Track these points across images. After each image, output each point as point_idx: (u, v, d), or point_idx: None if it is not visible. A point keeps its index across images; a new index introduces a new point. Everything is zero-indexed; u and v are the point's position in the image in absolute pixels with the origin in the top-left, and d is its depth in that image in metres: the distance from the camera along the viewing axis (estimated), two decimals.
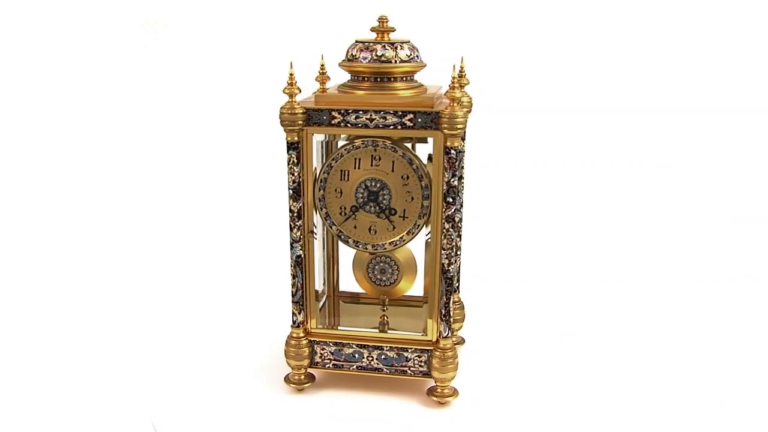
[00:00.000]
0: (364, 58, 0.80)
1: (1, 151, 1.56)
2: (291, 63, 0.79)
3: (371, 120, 0.79)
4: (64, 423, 0.82)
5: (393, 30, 0.83)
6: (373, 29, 0.82)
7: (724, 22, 1.55)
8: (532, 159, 1.56)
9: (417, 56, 0.84)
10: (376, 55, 0.80)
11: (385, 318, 0.94)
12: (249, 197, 1.47)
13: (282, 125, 0.79)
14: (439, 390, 0.85)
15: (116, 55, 1.59)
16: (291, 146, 0.80)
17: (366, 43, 0.81)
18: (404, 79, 0.83)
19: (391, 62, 0.81)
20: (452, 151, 0.77)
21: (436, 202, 0.80)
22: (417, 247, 0.95)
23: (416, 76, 0.86)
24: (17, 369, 0.94)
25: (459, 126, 0.77)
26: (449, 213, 0.79)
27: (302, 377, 0.88)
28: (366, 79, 0.82)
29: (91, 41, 1.58)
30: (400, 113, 0.78)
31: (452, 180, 0.78)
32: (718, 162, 1.56)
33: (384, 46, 0.80)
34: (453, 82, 0.76)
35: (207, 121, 1.60)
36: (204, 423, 0.82)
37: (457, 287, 0.98)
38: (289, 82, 0.79)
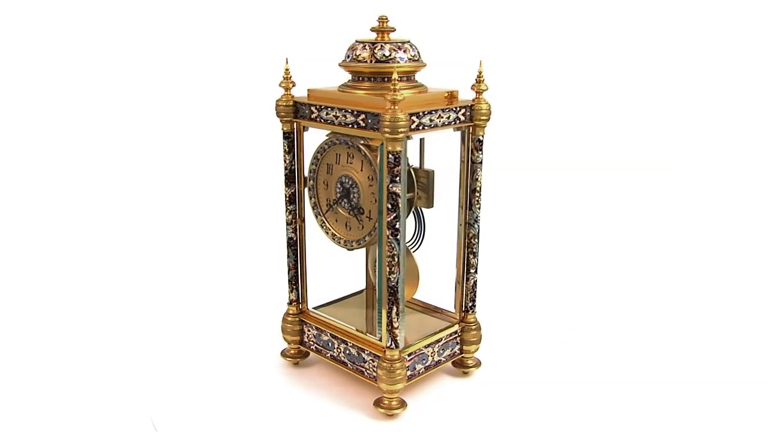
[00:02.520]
0: (364, 58, 0.81)
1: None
2: (287, 59, 0.85)
3: (336, 117, 0.80)
4: (64, 419, 0.83)
5: (393, 30, 0.82)
6: (373, 29, 0.82)
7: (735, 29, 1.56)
8: (530, 164, 1.58)
9: (417, 56, 0.82)
10: (376, 55, 0.80)
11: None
12: (249, 190, 1.51)
13: (277, 116, 0.86)
14: (386, 402, 0.83)
15: (112, 55, 1.59)
16: (284, 135, 0.86)
17: (366, 43, 0.81)
18: (404, 79, 0.81)
19: (390, 62, 0.80)
20: (390, 156, 0.74)
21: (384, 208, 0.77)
22: (424, 254, 0.92)
23: (417, 76, 0.84)
24: (18, 368, 0.94)
25: (401, 130, 0.73)
26: (389, 219, 0.76)
27: (295, 352, 0.94)
28: (366, 78, 0.82)
29: (88, 41, 1.57)
30: (355, 112, 0.78)
31: (391, 186, 0.75)
32: (717, 163, 1.59)
33: (383, 46, 0.80)
34: (393, 84, 0.73)
35: (205, 118, 1.61)
36: (201, 399, 0.87)
37: (472, 307, 0.90)
38: (285, 76, 0.85)
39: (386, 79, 0.81)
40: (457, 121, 0.82)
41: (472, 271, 0.89)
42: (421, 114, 0.77)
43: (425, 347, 0.85)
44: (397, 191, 0.75)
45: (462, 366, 0.92)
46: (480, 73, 0.83)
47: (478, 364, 0.93)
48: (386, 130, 0.73)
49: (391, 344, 0.80)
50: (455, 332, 0.89)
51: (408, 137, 0.76)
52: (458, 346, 0.91)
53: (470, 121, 0.83)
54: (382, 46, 0.80)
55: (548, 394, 0.88)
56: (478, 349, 0.92)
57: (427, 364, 0.86)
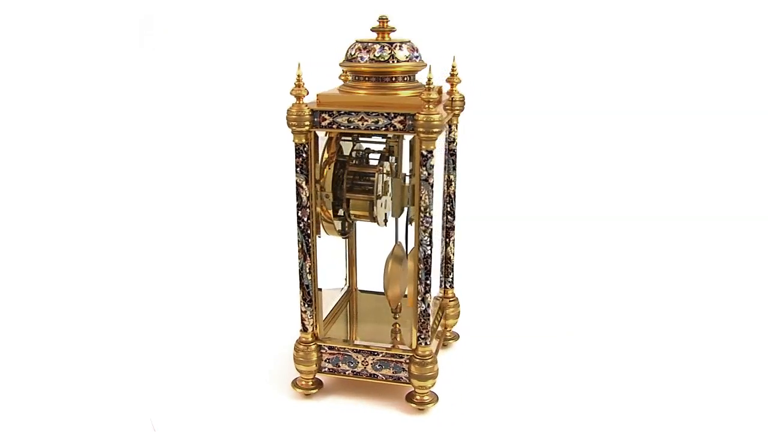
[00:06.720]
0: (365, 59, 0.83)
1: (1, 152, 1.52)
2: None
3: None
4: (64, 423, 0.82)
5: (393, 30, 0.83)
6: (373, 29, 0.83)
7: (714, 23, 1.56)
8: (528, 160, 1.57)
9: (417, 56, 0.82)
10: (377, 55, 0.83)
11: (398, 326, 0.94)
12: (250, 195, 1.50)
13: None
14: (302, 382, 0.87)
15: (113, 54, 1.57)
16: None
17: (366, 43, 0.83)
18: (405, 78, 0.82)
19: (391, 62, 0.81)
20: (295, 149, 0.79)
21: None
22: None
23: (418, 76, 0.84)
24: (19, 369, 0.93)
25: (306, 123, 0.77)
26: (296, 209, 0.81)
27: None
28: (367, 79, 0.84)
29: (88, 40, 1.55)
30: None
31: (296, 178, 0.80)
32: (711, 163, 1.57)
33: (384, 46, 0.82)
34: (298, 80, 0.77)
35: (205, 119, 1.59)
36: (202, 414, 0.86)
37: (421, 338, 0.81)
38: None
39: (386, 79, 0.82)
40: (392, 128, 0.77)
41: (418, 298, 0.81)
42: (335, 113, 0.77)
43: (354, 351, 0.84)
44: (300, 182, 0.79)
45: (413, 401, 0.84)
46: (429, 80, 0.74)
47: (434, 400, 0.84)
48: (293, 123, 0.78)
49: (301, 327, 0.85)
50: (398, 356, 0.83)
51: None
52: (405, 373, 0.84)
53: (412, 131, 0.76)
54: (382, 46, 0.81)
55: (520, 371, 0.90)
56: (434, 383, 0.83)
57: (356, 370, 0.85)
